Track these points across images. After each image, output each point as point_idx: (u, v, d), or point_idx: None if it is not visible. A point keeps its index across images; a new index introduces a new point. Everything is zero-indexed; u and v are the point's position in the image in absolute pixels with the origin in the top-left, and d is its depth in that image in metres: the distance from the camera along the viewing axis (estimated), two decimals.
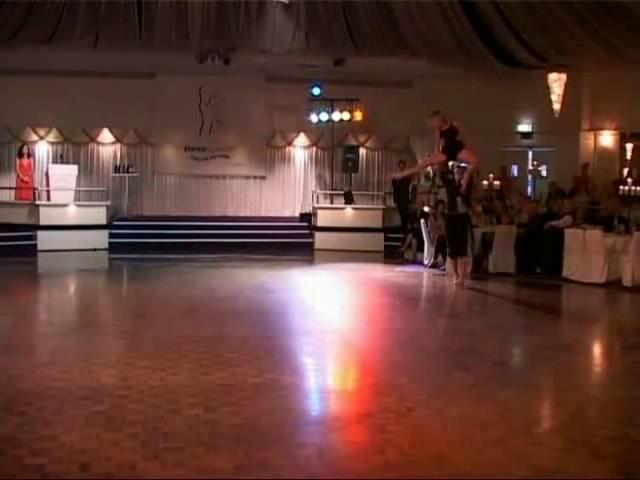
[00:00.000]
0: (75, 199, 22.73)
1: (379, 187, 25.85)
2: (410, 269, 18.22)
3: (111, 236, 21.78)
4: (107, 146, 25.60)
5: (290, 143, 26.48)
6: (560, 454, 6.01)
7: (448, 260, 16.02)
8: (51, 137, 25.12)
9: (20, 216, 21.97)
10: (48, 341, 10.11)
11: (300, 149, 26.58)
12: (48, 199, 22.63)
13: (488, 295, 16.25)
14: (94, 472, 5.47)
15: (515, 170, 24.75)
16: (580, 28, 19.16)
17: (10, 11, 19.53)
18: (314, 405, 7.54)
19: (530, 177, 24.63)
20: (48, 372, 8.15)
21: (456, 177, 15.00)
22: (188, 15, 20.41)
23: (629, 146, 22.10)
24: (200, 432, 6.32)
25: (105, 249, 21.40)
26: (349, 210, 23.24)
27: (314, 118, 24.74)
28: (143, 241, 21.61)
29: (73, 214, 21.91)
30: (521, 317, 12.97)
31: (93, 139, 25.41)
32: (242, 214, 25.67)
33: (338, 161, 25.62)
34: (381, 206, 23.90)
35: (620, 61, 20.28)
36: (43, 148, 25.10)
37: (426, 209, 19.97)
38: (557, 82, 20.94)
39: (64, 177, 22.73)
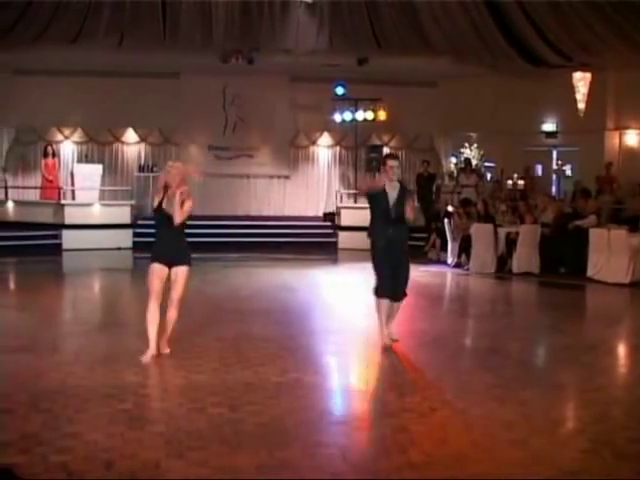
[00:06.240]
0: (100, 198, 22.80)
1: None
2: (434, 269, 18.17)
3: (135, 235, 21.77)
4: (131, 146, 25.70)
5: (314, 142, 26.49)
6: (583, 455, 5.99)
7: (383, 305, 9.93)
8: (76, 137, 25.26)
9: (45, 215, 22.07)
10: (73, 339, 10.18)
11: (324, 148, 26.58)
12: (73, 198, 22.74)
13: (512, 295, 16.22)
14: (118, 470, 5.50)
15: (539, 169, 24.63)
16: (605, 27, 19.06)
17: (36, 12, 19.67)
18: (337, 405, 7.56)
19: (554, 176, 24.52)
20: (73, 370, 8.21)
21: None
22: (212, 15, 20.47)
23: None
24: (223, 431, 6.35)
25: (129, 248, 21.45)
26: None
27: (338, 117, 24.74)
28: None
29: (98, 213, 22.00)
30: (545, 317, 12.90)
31: (118, 139, 25.53)
32: (266, 213, 25.68)
33: (362, 160, 25.57)
34: None
35: None
36: (68, 148, 25.24)
37: (450, 208, 19.93)
38: (582, 81, 20.79)
39: (89, 176, 22.83)
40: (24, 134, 24.79)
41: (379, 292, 9.79)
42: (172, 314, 8.93)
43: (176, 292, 8.87)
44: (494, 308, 14.26)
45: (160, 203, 8.81)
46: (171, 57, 22.18)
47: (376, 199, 9.97)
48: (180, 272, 8.88)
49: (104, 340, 9.97)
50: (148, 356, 8.62)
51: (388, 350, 9.46)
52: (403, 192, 9.95)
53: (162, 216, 8.82)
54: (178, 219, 8.71)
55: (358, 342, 10.26)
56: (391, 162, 10.02)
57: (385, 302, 9.75)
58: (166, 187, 8.79)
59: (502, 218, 18.60)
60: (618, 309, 14.10)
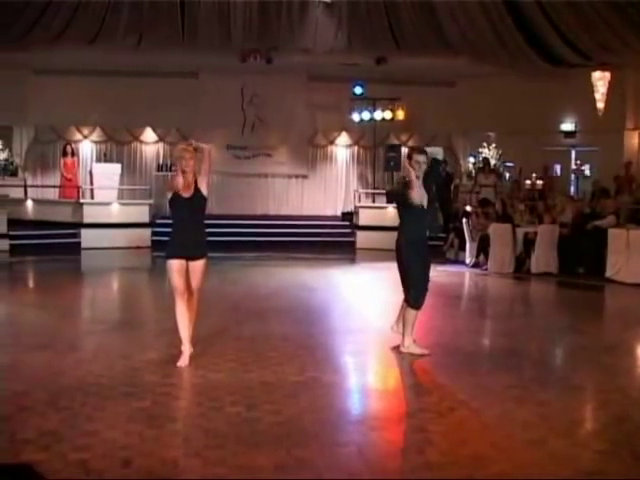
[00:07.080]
0: (118, 197, 22.93)
1: None
2: (452, 268, 18.13)
3: (154, 234, 21.78)
4: (150, 145, 25.80)
5: (332, 142, 26.50)
6: (601, 456, 5.97)
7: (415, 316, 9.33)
8: (95, 136, 25.37)
9: (64, 214, 22.15)
10: (91, 338, 10.21)
11: (342, 148, 26.59)
12: (92, 197, 22.86)
13: (530, 295, 16.17)
14: (136, 468, 5.52)
15: (558, 169, 24.56)
16: (625, 26, 18.98)
17: (56, 12, 19.77)
18: (355, 404, 7.56)
19: (573, 176, 24.44)
20: (91, 368, 8.24)
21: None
22: (230, 15, 20.51)
23: None
24: (241, 430, 6.36)
25: (148, 247, 21.51)
26: (391, 209, 23.11)
27: (356, 117, 24.76)
28: None
29: (116, 212, 22.09)
30: (563, 318, 12.86)
31: (136, 138, 25.62)
32: (284, 213, 25.69)
33: (380, 160, 25.58)
34: None
35: None
36: (87, 147, 25.36)
37: (468, 208, 19.91)
38: (601, 80, 20.72)
39: (108, 176, 22.94)
40: (43, 133, 24.95)
41: (419, 302, 9.24)
42: (192, 303, 8.73)
43: (195, 282, 8.63)
44: (512, 308, 14.23)
45: (177, 190, 8.49)
46: (189, 57, 22.24)
47: (403, 199, 9.25)
48: (197, 266, 8.61)
49: (123, 338, 10.00)
50: (185, 358, 8.47)
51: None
52: (426, 179, 9.21)
53: (180, 203, 8.53)
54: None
55: (376, 342, 10.24)
56: (418, 156, 9.14)
57: (415, 312, 9.26)
58: (183, 172, 8.50)
59: (520, 218, 18.54)
60: (637, 310, 14.02)
